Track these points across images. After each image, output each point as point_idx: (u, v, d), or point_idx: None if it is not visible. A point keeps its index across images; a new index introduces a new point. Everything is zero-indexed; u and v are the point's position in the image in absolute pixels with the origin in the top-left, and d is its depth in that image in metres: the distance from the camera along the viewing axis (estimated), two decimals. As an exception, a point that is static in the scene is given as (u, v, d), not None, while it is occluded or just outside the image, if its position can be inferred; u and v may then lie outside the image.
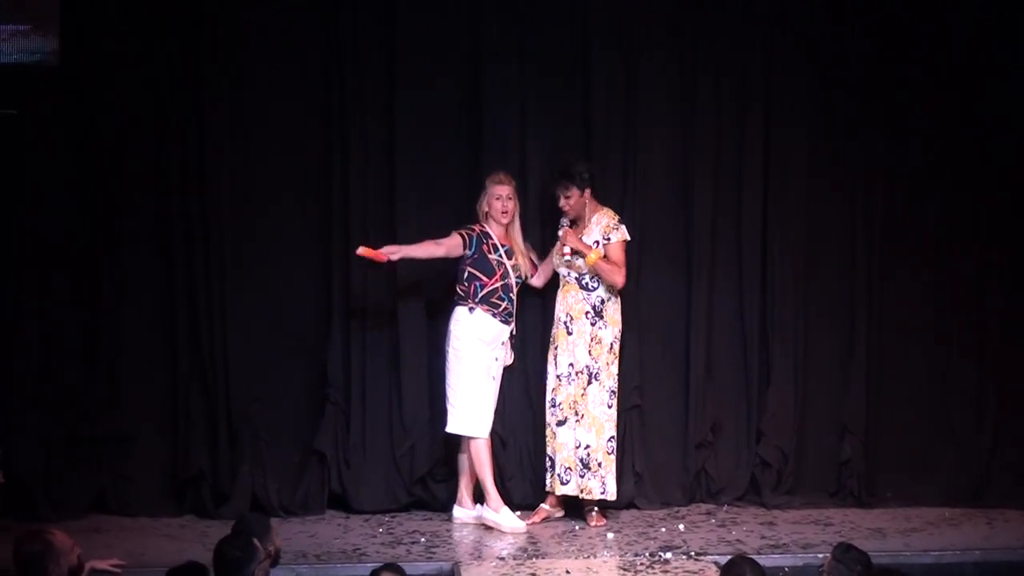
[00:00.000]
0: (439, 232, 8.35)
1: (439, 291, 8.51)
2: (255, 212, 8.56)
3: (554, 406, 8.31)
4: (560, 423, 8.27)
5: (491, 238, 8.28)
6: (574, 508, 8.42)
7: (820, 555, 7.30)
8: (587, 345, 8.24)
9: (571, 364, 8.25)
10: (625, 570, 7.54)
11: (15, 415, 8.31)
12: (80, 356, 8.46)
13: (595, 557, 7.73)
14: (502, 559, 7.66)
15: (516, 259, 8.31)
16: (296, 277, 8.62)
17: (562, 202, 8.25)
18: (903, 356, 8.97)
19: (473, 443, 8.25)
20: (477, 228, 8.30)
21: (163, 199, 8.48)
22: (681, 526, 8.35)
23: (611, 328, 8.28)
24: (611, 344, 8.28)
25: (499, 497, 8.27)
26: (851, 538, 7.55)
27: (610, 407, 8.26)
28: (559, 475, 8.26)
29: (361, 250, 8.10)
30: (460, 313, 8.26)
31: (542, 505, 8.38)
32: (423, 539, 8.07)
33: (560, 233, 8.27)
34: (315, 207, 8.62)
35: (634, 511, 8.63)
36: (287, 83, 8.55)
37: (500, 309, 8.25)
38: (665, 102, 8.78)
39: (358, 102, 8.54)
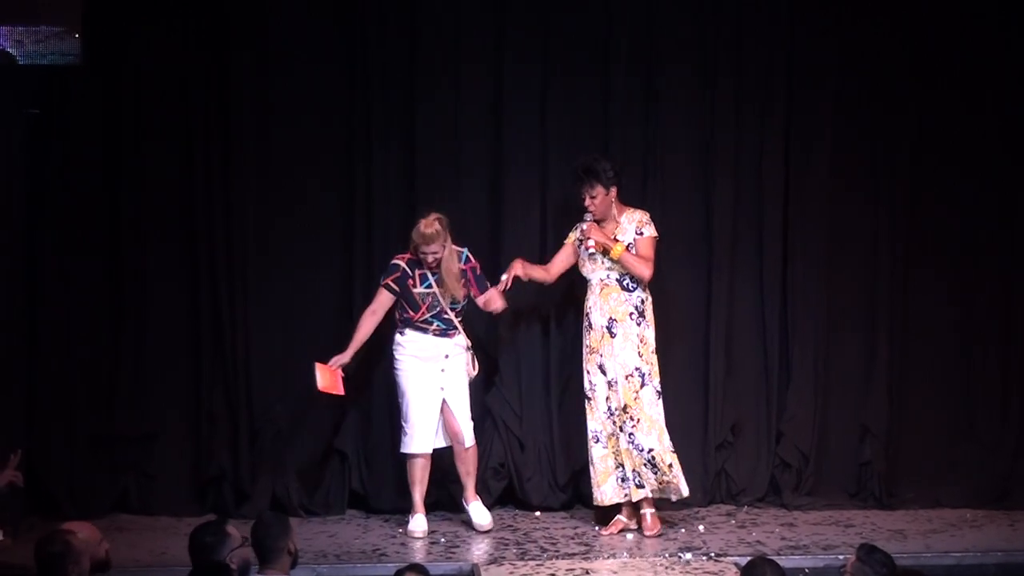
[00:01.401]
0: (456, 233, 8.29)
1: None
2: (277, 212, 8.58)
3: (611, 414, 8.09)
4: (621, 428, 8.06)
5: (420, 268, 8.12)
6: (590, 509, 8.40)
7: (841, 556, 7.28)
8: (636, 347, 8.05)
9: (622, 366, 8.07)
10: (645, 571, 7.52)
11: (39, 414, 8.35)
12: (103, 356, 8.49)
13: (615, 558, 7.72)
14: (522, 560, 7.66)
15: (445, 287, 8.12)
16: (317, 277, 8.64)
17: (587, 201, 8.04)
18: (926, 357, 8.94)
19: (408, 461, 8.17)
20: (405, 259, 8.14)
21: (187, 201, 8.51)
22: (701, 527, 8.34)
23: (653, 328, 8.15)
24: (654, 344, 8.14)
25: (418, 507, 8.14)
26: (872, 539, 7.52)
27: (657, 406, 8.09)
28: (632, 480, 8.07)
29: (319, 383, 8.07)
30: (396, 336, 8.20)
31: (619, 516, 8.16)
32: (443, 539, 8.08)
33: (584, 227, 8.07)
34: (337, 208, 8.64)
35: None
36: (311, 83, 8.56)
37: (431, 328, 8.14)
38: (686, 103, 8.76)
39: (380, 104, 8.55)
